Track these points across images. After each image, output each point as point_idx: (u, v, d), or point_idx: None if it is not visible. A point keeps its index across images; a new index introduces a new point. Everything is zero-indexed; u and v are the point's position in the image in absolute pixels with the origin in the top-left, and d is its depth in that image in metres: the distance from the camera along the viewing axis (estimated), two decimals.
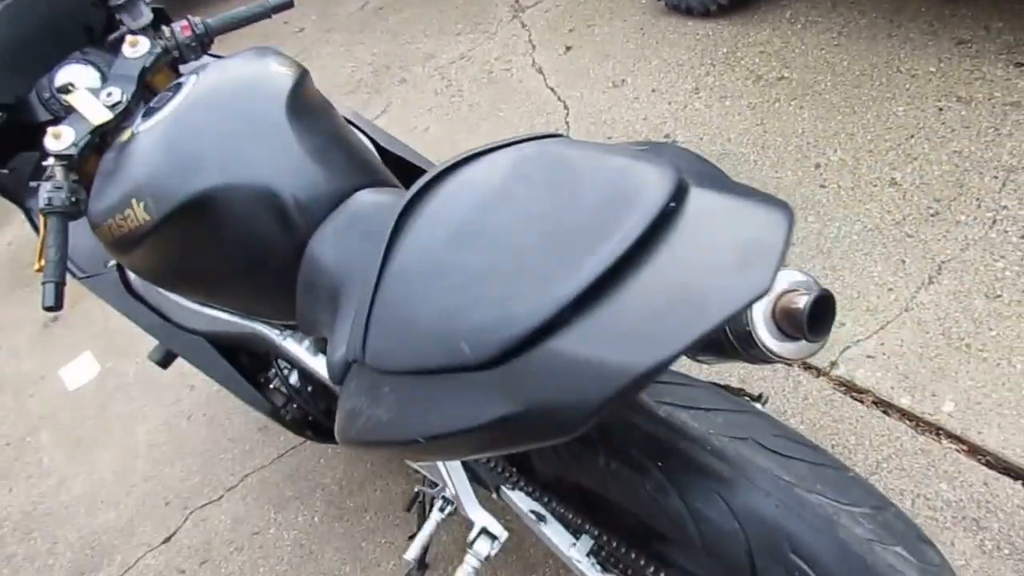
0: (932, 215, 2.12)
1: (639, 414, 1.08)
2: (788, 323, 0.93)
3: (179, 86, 1.36)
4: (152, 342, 1.71)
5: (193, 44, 1.61)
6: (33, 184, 1.65)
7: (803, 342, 0.96)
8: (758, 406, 1.24)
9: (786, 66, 2.79)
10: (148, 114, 1.32)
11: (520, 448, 0.84)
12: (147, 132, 1.28)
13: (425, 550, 1.44)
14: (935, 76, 2.49)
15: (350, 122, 1.69)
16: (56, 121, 1.41)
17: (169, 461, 2.45)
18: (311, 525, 2.09)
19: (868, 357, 1.87)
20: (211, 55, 1.74)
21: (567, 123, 3.01)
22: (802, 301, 0.91)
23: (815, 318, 0.89)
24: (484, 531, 1.20)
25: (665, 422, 1.07)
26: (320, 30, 4.49)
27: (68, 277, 1.36)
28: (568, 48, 3.41)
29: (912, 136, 2.34)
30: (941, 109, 2.38)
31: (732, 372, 1.97)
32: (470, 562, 1.19)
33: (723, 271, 0.73)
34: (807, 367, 1.91)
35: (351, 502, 2.09)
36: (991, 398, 1.71)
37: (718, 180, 1.00)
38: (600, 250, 0.77)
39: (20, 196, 1.72)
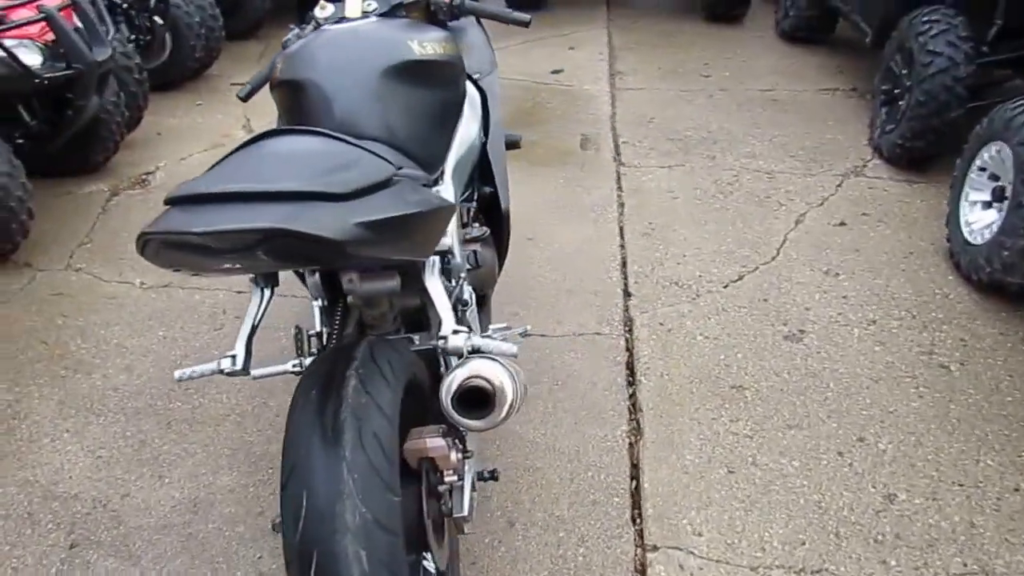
0: (875, 541, 2.04)
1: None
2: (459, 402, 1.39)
3: (367, 15, 1.97)
4: None
5: (445, 7, 2.21)
6: (291, 27, 2.32)
7: (468, 420, 1.39)
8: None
9: (963, 363, 2.64)
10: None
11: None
12: (329, 28, 1.93)
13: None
14: None
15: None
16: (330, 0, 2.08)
17: None
18: None
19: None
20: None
21: (756, 268, 3.15)
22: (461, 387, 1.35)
23: (471, 403, 1.38)
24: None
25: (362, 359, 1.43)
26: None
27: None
28: (841, 223, 3.45)
29: (960, 485, 2.19)
30: (1018, 490, 2.19)
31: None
32: None
33: None
34: (641, 543, 2.04)
35: None
36: None
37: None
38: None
39: None
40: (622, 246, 3.31)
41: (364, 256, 1.25)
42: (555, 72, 5.23)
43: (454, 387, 1.41)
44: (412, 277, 1.85)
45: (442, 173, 2.02)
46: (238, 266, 1.24)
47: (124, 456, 2.25)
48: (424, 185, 1.53)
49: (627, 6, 6.74)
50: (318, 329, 1.87)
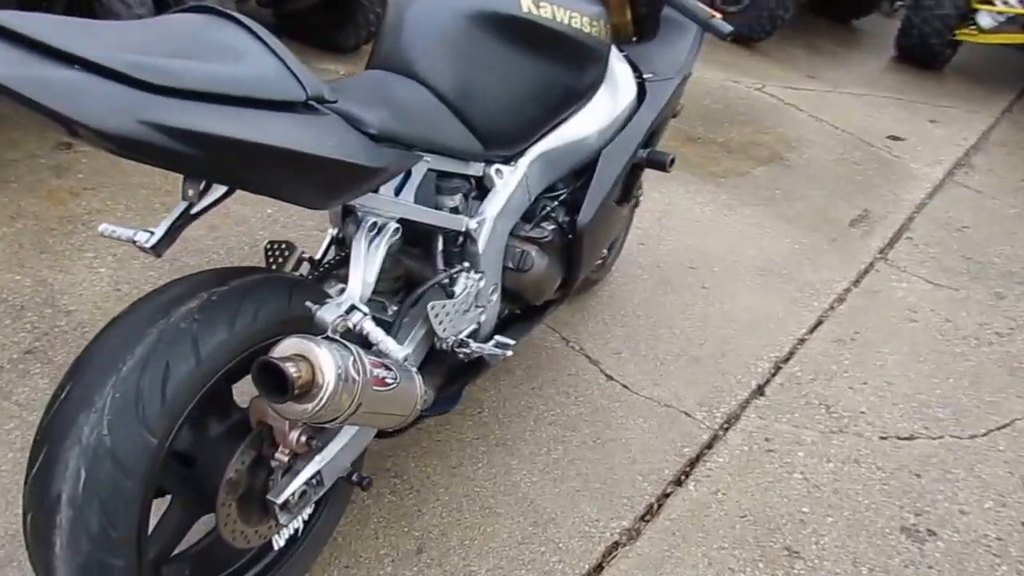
0: None
1: None
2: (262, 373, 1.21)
3: None
4: None
5: None
6: None
7: (265, 397, 1.22)
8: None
9: None
10: None
11: None
12: None
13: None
14: None
15: None
16: None
17: None
18: None
19: None
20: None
21: (940, 437, 2.46)
22: (265, 361, 1.19)
23: (270, 383, 1.17)
24: None
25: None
26: None
27: None
28: None
29: None
30: None
31: None
32: None
33: None
34: None
35: None
36: None
37: None
38: None
39: None
40: (801, 341, 2.77)
41: (157, 160, 1.06)
42: (892, 138, 4.52)
43: (263, 357, 1.22)
44: (426, 245, 1.69)
45: (518, 156, 1.80)
46: None
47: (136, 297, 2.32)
48: (377, 138, 1.32)
49: None
50: (318, 256, 1.79)
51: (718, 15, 2.02)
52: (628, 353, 2.55)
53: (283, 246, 1.73)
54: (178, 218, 1.38)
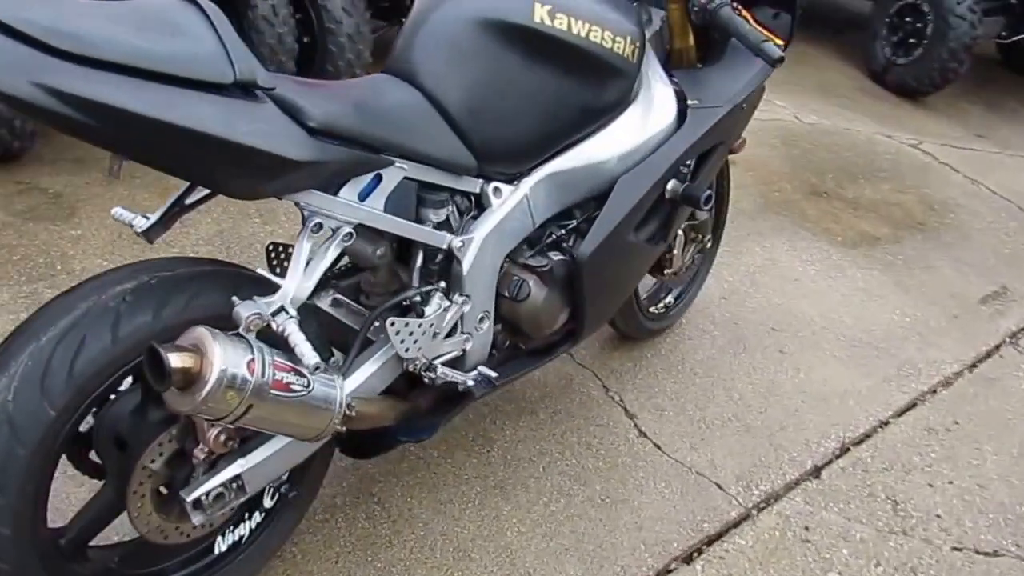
0: None
1: None
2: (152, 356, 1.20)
3: None
4: None
5: (698, 8, 1.92)
6: None
7: (149, 379, 1.22)
8: None
9: None
10: None
11: None
12: None
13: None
14: None
15: None
16: None
17: None
18: None
19: None
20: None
21: None
22: (153, 347, 1.21)
23: (155, 369, 1.18)
24: None
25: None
26: None
27: None
28: None
29: None
30: None
31: None
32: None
33: None
34: None
35: None
36: None
37: None
38: None
39: None
40: (883, 424, 2.44)
41: (58, 127, 1.05)
42: None
43: (152, 342, 1.19)
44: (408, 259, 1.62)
45: (521, 175, 1.70)
46: None
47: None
48: (316, 132, 1.27)
49: None
50: None
51: (778, 40, 1.83)
52: (672, 411, 2.34)
53: (289, 249, 1.71)
54: (172, 207, 1.44)
